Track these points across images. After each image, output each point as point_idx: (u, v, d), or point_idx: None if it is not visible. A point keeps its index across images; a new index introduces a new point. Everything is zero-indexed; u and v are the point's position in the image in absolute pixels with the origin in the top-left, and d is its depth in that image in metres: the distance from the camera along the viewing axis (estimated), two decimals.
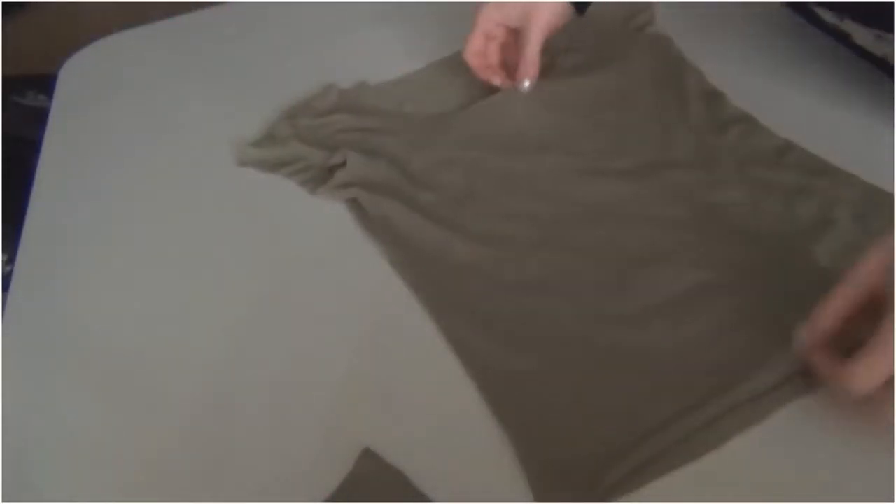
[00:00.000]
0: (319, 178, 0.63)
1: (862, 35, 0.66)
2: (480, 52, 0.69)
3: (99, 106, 0.76)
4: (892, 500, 0.41)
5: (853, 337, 0.44)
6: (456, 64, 0.71)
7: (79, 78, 0.80)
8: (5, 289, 0.59)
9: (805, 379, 0.46)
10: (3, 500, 0.45)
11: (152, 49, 0.83)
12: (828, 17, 0.68)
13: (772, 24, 0.76)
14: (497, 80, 0.69)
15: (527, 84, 0.67)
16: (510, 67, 0.69)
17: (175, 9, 0.89)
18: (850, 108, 0.65)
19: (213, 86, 0.75)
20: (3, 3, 1.46)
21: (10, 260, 0.82)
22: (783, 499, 0.42)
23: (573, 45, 0.73)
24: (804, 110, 0.66)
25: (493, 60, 0.70)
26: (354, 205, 0.61)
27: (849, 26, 0.66)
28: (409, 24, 0.80)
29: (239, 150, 0.67)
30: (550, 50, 0.69)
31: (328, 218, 0.61)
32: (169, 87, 0.77)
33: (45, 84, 0.86)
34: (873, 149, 0.61)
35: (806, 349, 0.45)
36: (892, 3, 0.58)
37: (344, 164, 0.62)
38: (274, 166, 0.65)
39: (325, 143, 0.66)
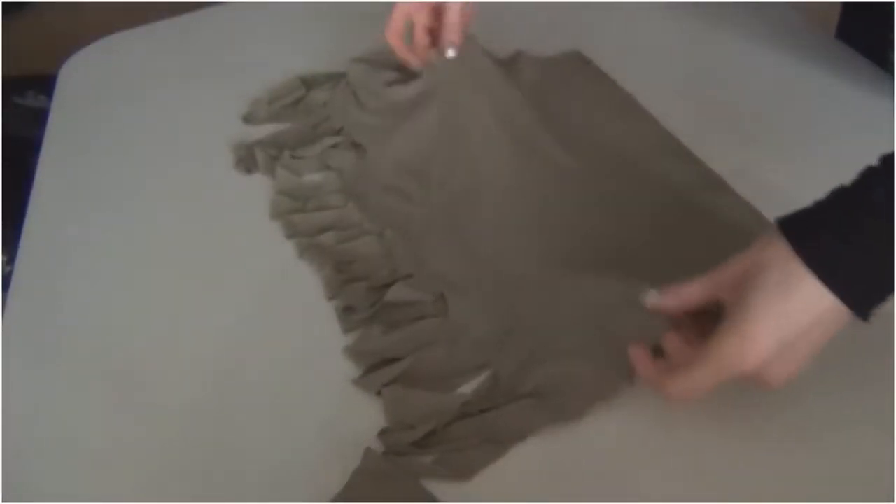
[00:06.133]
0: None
1: None
2: (400, 34, 0.68)
3: (99, 106, 0.76)
4: (892, 501, 0.41)
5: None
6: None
7: (79, 78, 0.80)
8: (5, 289, 0.59)
9: None
10: (3, 501, 0.45)
11: (152, 49, 0.83)
12: None
13: (773, 24, 0.76)
14: (414, 62, 0.68)
15: (451, 52, 0.65)
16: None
17: (175, 9, 0.89)
18: (850, 106, 0.65)
19: (213, 86, 0.75)
20: (3, 3, 1.47)
21: (10, 260, 0.82)
22: (783, 497, 0.42)
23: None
24: (805, 109, 0.66)
25: (420, 42, 0.68)
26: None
27: None
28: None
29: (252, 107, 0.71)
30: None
31: None
32: (169, 87, 0.77)
33: (45, 84, 0.86)
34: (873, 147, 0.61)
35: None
36: None
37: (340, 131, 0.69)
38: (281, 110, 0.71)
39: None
